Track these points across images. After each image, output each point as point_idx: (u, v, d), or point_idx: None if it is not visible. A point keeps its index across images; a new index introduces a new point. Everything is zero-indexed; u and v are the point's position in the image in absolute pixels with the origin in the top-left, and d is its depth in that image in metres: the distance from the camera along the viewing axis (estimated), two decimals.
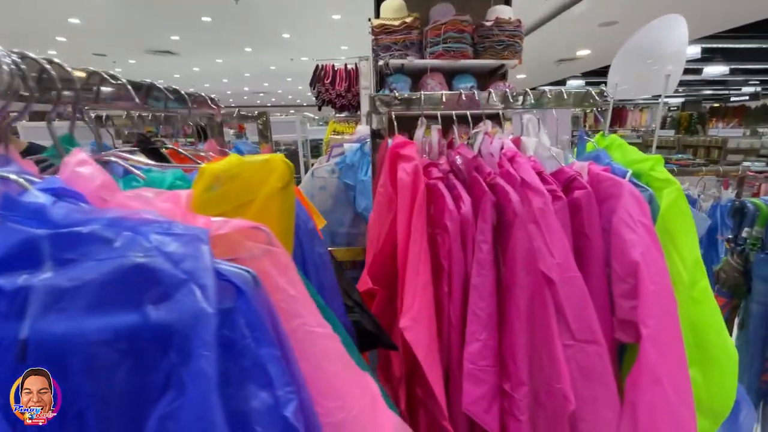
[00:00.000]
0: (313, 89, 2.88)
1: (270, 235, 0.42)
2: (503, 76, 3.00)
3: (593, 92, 0.87)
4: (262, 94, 13.14)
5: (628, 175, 0.79)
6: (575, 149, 1.05)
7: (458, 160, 0.81)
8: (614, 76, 3.50)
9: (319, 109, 3.20)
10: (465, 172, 0.80)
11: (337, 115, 3.01)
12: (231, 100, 14.06)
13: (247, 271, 0.38)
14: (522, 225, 0.67)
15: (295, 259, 0.55)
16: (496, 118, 1.28)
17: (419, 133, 0.88)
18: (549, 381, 0.68)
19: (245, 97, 13.83)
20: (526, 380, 0.66)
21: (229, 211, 0.42)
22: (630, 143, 0.91)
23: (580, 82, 9.60)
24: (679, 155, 5.63)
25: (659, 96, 2.20)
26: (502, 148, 0.85)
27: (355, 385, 0.45)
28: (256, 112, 1.22)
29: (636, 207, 0.69)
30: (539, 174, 0.79)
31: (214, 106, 0.83)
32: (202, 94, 0.78)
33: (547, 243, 0.70)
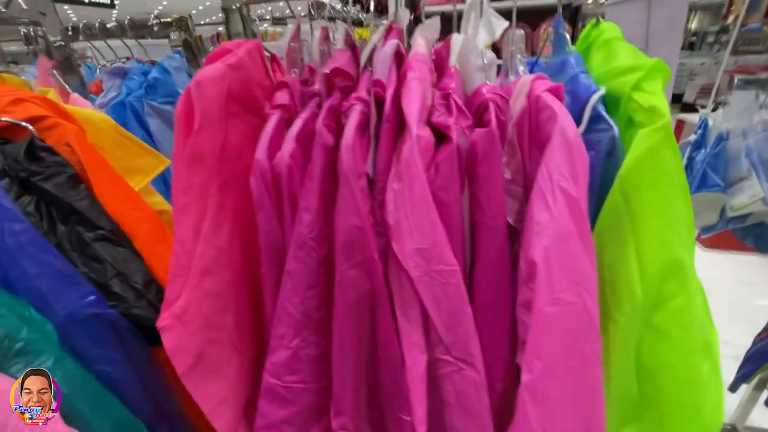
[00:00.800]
0: None
1: None
2: None
3: None
4: None
5: (595, 97, 0.45)
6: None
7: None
8: None
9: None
10: (324, 97, 0.53)
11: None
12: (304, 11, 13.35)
13: None
14: (348, 190, 0.41)
15: None
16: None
17: (289, 36, 0.60)
18: (396, 409, 0.48)
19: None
20: (348, 408, 0.46)
21: None
22: None
23: None
24: None
25: None
26: (398, 54, 0.54)
27: None
28: (170, 18, 0.99)
29: (563, 161, 0.38)
30: (446, 98, 0.49)
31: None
32: None
33: (408, 217, 0.44)
